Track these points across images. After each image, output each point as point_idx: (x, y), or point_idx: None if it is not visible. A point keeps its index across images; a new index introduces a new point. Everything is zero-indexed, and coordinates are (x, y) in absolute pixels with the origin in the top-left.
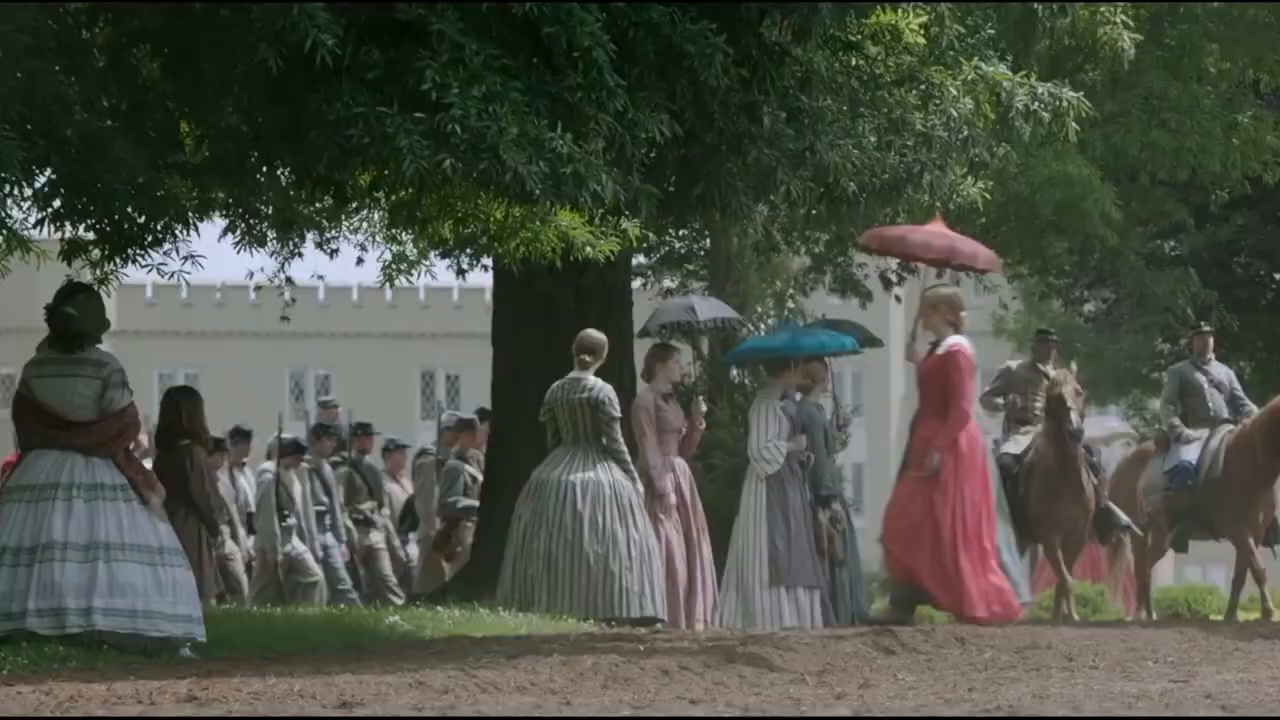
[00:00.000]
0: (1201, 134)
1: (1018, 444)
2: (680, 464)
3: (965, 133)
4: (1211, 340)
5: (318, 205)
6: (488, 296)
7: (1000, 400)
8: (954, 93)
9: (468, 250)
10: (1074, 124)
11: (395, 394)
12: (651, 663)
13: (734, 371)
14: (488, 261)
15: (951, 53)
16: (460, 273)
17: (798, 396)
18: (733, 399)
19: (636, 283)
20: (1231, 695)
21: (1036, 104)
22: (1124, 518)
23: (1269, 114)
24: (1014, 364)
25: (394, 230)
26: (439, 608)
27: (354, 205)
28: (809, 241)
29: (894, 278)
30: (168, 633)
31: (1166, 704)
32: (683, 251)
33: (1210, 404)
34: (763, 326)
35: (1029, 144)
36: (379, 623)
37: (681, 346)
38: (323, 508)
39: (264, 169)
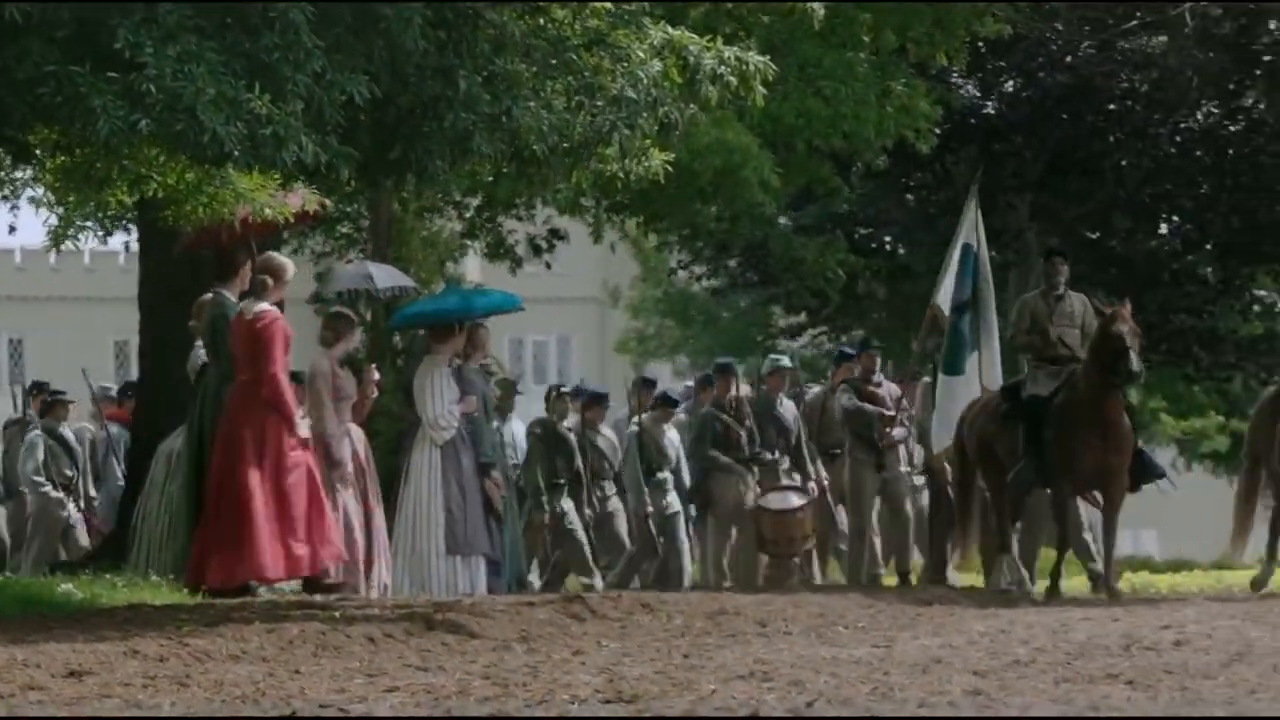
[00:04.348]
0: (856, 101)
1: (1045, 386)
2: (357, 431)
3: (654, 94)
4: None
5: None
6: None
7: (1034, 339)
8: (641, 56)
9: (107, 213)
10: (760, 88)
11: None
12: (355, 630)
13: (396, 337)
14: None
15: (634, 13)
16: (106, 235)
17: (455, 362)
18: (395, 364)
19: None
20: (948, 657)
21: (723, 68)
22: (1160, 467)
23: (921, 81)
24: (1028, 296)
25: (61, 193)
26: (109, 575)
27: (34, 166)
28: (460, 207)
29: (543, 244)
30: None
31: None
32: (335, 215)
33: None
34: (425, 292)
35: (715, 107)
36: (51, 591)
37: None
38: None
39: None
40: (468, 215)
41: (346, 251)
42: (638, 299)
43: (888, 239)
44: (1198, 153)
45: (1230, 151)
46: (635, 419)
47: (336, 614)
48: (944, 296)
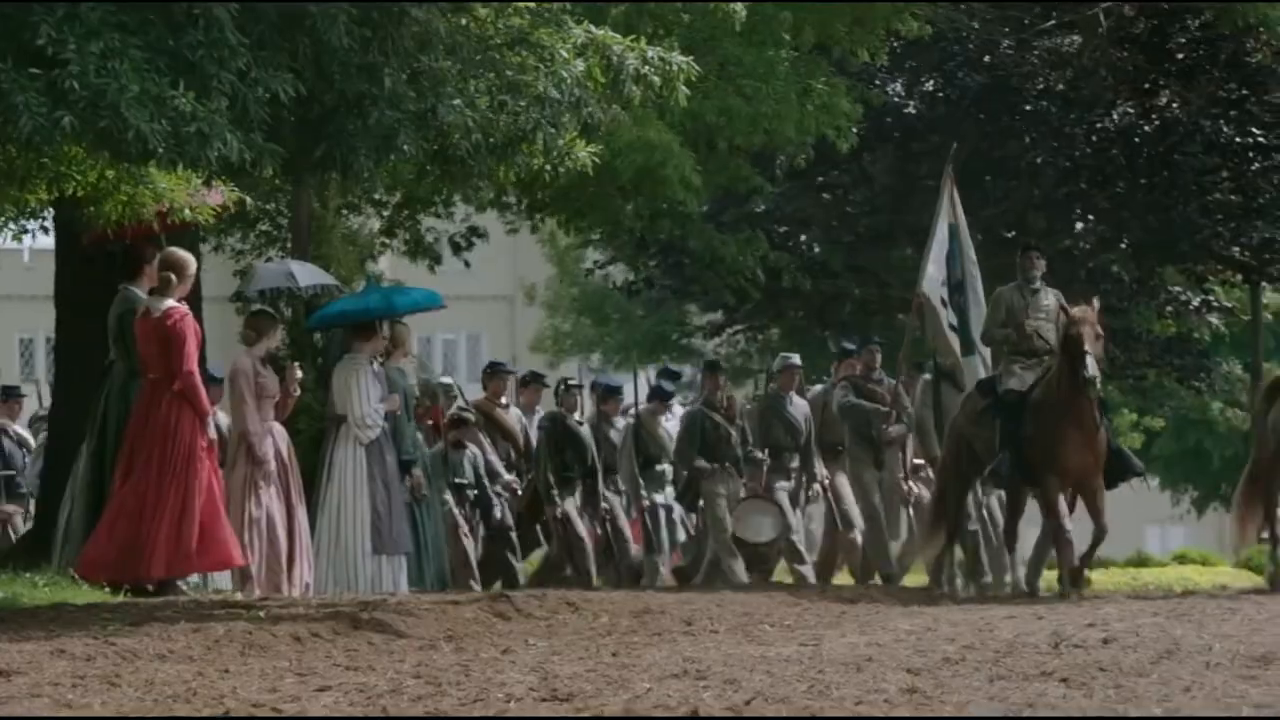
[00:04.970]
0: (777, 100)
1: (1021, 379)
2: (279, 430)
3: (577, 94)
4: None
5: None
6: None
7: (1009, 332)
8: (564, 55)
9: (25, 211)
10: (683, 88)
11: None
12: (281, 629)
13: (317, 336)
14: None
15: (555, 12)
16: (21, 234)
17: (380, 360)
18: (316, 363)
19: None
20: (878, 655)
21: (647, 68)
22: (1138, 464)
23: (841, 80)
24: (1004, 289)
25: None
26: (28, 574)
27: None
28: (379, 205)
29: (462, 242)
30: None
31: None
32: (254, 215)
33: None
34: (346, 290)
35: (639, 107)
36: None
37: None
38: None
39: None
40: (386, 214)
41: (266, 250)
42: (553, 297)
43: (804, 237)
44: (1113, 152)
45: (1145, 151)
46: (631, 412)
47: (262, 613)
48: (929, 284)
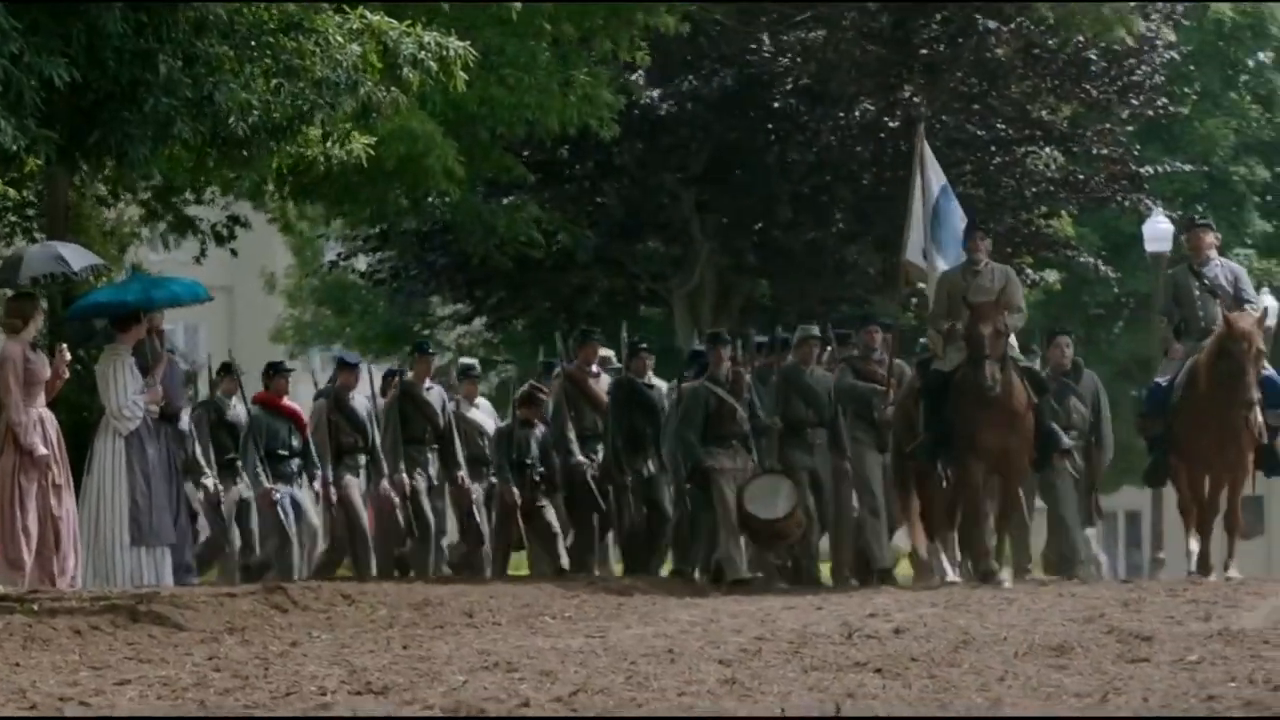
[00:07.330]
0: (539, 89)
1: (949, 361)
2: (49, 415)
3: (354, 77)
4: (1210, 236)
5: None
6: None
7: (944, 324)
8: (340, 40)
9: None
10: (461, 73)
11: None
12: (60, 622)
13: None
14: None
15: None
16: None
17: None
18: (78, 353)
19: None
20: (673, 646)
21: (424, 53)
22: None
23: (604, 71)
24: (948, 271)
25: None
26: None
27: None
28: (139, 191)
29: (225, 231)
30: None
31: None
32: (3, 203)
33: (1203, 313)
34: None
35: (418, 91)
36: None
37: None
38: None
39: None
40: (142, 199)
41: (15, 239)
42: (292, 287)
43: (551, 229)
44: (858, 147)
45: (889, 145)
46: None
47: (35, 606)
48: (913, 250)
